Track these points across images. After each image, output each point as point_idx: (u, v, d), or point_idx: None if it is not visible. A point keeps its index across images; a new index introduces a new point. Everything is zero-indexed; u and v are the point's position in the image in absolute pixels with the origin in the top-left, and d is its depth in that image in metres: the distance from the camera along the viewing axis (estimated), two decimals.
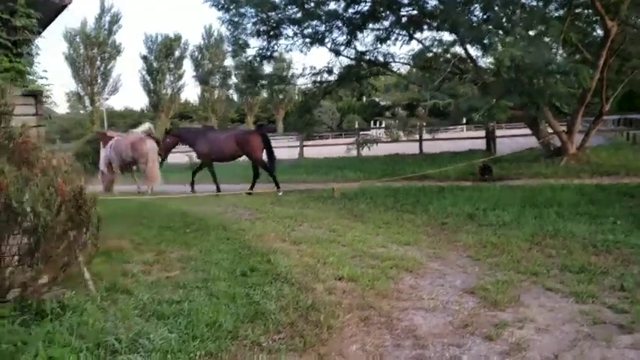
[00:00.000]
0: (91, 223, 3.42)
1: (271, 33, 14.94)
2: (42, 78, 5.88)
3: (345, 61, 16.56)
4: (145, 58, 61.27)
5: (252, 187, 11.76)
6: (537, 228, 6.60)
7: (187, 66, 63.78)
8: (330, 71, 16.48)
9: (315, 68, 16.25)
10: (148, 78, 61.49)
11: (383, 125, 23.63)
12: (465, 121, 26.69)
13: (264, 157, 11.86)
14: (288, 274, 4.99)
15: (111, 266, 5.44)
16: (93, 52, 55.12)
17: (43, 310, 3.84)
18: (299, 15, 14.69)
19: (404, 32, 16.12)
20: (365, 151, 17.68)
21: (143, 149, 12.75)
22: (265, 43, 15.37)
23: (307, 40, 15.35)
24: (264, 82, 15.74)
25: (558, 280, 4.68)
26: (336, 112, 60.84)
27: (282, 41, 15.58)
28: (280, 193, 11.21)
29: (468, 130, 33.87)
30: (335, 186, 10.75)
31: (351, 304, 4.25)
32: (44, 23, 6.94)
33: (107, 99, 59.56)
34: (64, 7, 6.19)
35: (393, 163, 16.33)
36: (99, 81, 56.59)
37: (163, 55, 61.08)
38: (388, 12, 16.19)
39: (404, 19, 16.02)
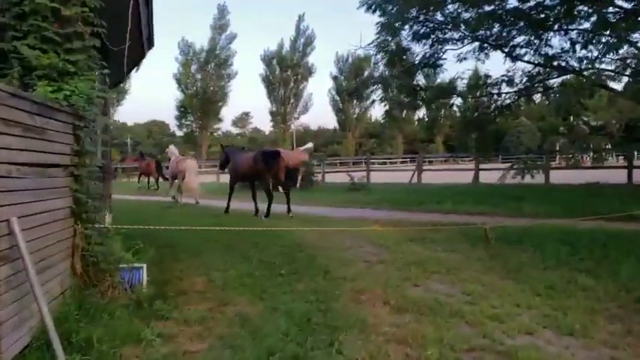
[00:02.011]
0: None
1: (434, 37, 12.78)
2: (93, 89, 4.79)
3: (527, 69, 13.61)
4: (335, 78, 63.00)
5: (268, 211, 11.39)
6: None
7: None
8: (510, 81, 13.69)
9: (490, 77, 13.66)
10: (337, 98, 63.01)
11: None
12: None
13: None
14: None
15: (132, 323, 4.12)
16: (287, 74, 58.18)
17: None
18: (469, 15, 12.31)
19: (609, 32, 12.77)
20: (556, 178, 14.52)
21: (180, 166, 15.52)
22: (427, 49, 13.28)
23: (477, 43, 12.82)
24: (425, 94, 13.58)
25: None
26: (537, 132, 54.32)
27: (448, 47, 13.33)
28: (291, 215, 11.16)
29: None
30: (490, 224, 8.18)
31: None
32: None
33: (297, 118, 62.37)
34: None
35: (587, 195, 12.82)
36: (291, 101, 59.54)
37: (353, 75, 61.97)
38: (590, 9, 13.03)
39: (611, 17, 12.72)
